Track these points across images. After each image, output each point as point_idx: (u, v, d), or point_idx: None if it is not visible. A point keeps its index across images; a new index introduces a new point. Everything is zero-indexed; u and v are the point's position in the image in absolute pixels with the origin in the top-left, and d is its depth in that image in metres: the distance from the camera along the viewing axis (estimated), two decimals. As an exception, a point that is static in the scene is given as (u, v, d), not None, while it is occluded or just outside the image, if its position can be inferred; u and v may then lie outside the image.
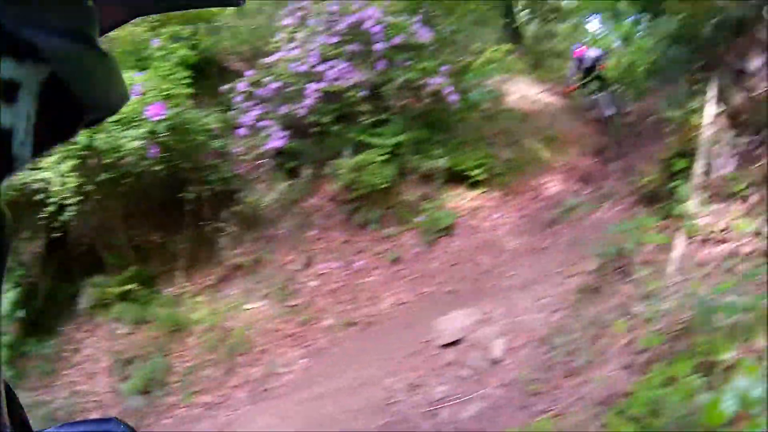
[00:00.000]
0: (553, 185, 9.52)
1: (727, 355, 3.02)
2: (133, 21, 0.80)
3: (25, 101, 0.41)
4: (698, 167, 5.69)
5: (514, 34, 15.62)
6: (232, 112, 8.70)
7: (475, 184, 9.00)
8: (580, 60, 12.28)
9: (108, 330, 7.03)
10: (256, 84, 8.74)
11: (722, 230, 4.93)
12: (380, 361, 5.89)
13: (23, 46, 0.40)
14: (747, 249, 4.63)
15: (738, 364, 2.94)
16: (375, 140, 8.27)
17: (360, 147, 8.29)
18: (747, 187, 5.18)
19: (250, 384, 6.51)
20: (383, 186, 7.90)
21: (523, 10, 17.21)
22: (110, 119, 6.17)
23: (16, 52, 0.40)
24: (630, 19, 16.09)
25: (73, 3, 0.48)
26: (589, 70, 12.06)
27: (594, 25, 23.27)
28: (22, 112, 0.41)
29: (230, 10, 12.64)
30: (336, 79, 8.14)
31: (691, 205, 5.29)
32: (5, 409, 0.57)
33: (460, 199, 8.94)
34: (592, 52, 12.38)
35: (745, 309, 3.40)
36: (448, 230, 8.21)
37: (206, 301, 7.39)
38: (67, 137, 0.47)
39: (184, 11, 10.63)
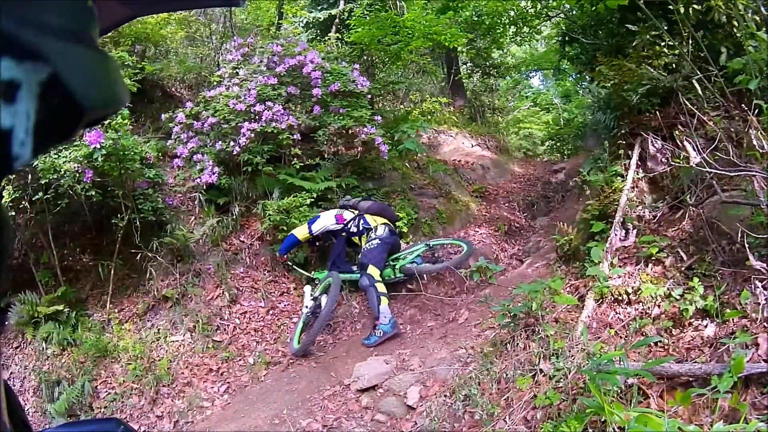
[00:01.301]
0: (479, 237, 9.64)
1: (619, 416, 3.18)
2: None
3: (25, 101, 0.42)
4: (615, 230, 5.92)
5: (455, 87, 15.86)
6: (170, 142, 8.75)
7: (400, 234, 8.98)
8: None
9: (36, 349, 6.92)
10: (194, 116, 8.78)
11: (633, 292, 5.11)
12: (298, 402, 5.89)
13: (23, 46, 0.42)
14: (656, 311, 4.82)
15: (628, 425, 3.10)
16: (305, 183, 8.33)
17: (290, 189, 8.34)
18: (662, 251, 5.36)
19: (174, 415, 6.45)
20: (311, 229, 7.88)
21: (465, 64, 17.43)
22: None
23: (16, 52, 0.41)
24: (573, 77, 16.45)
25: (73, 3, 0.50)
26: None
27: (536, 81, 24.01)
28: (22, 112, 0.42)
29: (180, 34, 12.76)
30: (272, 121, 8.20)
31: (604, 267, 5.49)
32: (5, 410, 0.62)
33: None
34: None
35: (638, 374, 3.62)
36: (372, 277, 8.20)
37: (133, 329, 7.28)
38: (66, 137, 0.48)
39: (134, 31, 10.68)
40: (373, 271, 7.31)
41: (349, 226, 7.77)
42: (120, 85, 0.52)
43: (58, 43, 0.45)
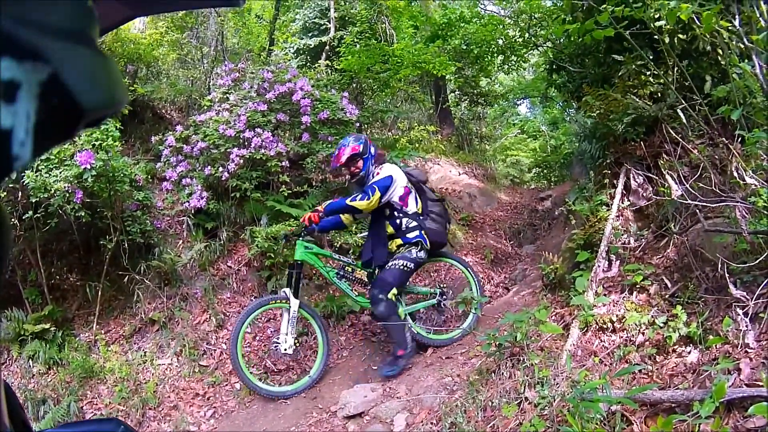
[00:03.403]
0: (465, 265, 9.66)
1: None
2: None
3: (25, 101, 0.42)
4: (600, 259, 5.97)
5: (442, 115, 15.93)
6: (160, 165, 8.77)
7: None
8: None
9: (22, 366, 6.89)
10: (184, 140, 8.81)
11: (618, 320, 5.13)
12: (285, 428, 5.86)
13: (23, 46, 0.42)
14: (640, 339, 4.84)
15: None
16: (293, 210, 8.31)
17: (278, 216, 8.36)
18: (647, 279, 5.39)
19: (161, 439, 6.44)
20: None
21: (453, 92, 17.52)
22: (41, 158, 6.15)
23: (16, 52, 0.41)
24: (560, 104, 16.54)
25: (73, 3, 0.49)
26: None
27: (523, 108, 24.18)
28: (22, 112, 0.42)
29: (172, 56, 12.82)
30: (261, 147, 8.25)
31: (589, 295, 5.54)
32: (5, 410, 0.62)
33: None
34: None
35: (621, 401, 3.65)
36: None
37: (120, 351, 7.26)
38: (66, 137, 0.48)
39: (127, 51, 10.71)
40: (393, 296, 6.21)
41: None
42: (119, 86, 0.52)
43: (58, 43, 0.45)
